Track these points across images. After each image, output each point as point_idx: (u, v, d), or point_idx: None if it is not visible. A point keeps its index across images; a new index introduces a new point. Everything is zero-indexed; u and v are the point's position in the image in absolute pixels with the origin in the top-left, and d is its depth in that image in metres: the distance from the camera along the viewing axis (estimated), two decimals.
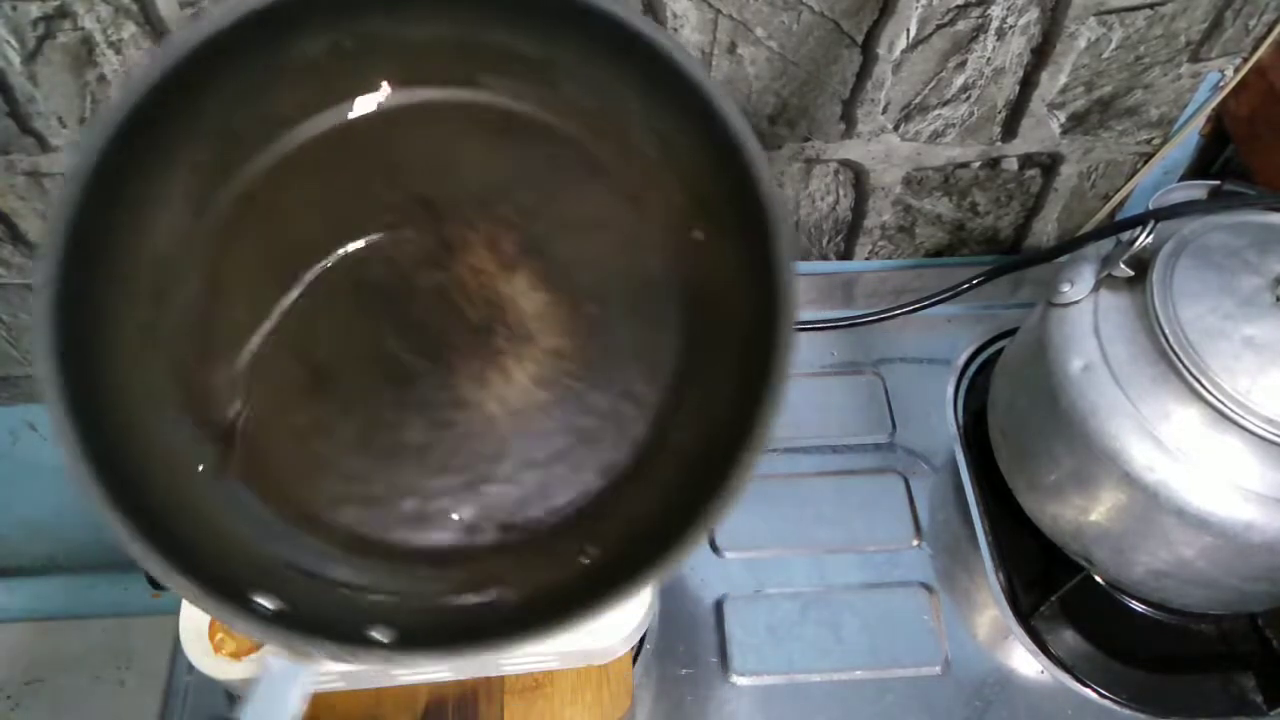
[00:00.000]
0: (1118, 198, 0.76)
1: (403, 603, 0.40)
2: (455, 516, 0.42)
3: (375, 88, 0.42)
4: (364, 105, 0.43)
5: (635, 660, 0.60)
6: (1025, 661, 0.61)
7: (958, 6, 0.59)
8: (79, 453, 0.34)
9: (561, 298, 0.44)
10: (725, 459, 0.39)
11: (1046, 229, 0.79)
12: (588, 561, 0.41)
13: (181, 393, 0.41)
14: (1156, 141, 0.71)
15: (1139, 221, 0.55)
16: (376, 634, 0.37)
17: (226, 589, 0.35)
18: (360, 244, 0.44)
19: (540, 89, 0.43)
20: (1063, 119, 0.68)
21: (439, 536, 0.42)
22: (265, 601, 0.36)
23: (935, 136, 0.69)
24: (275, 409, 0.42)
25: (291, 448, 0.42)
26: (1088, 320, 0.56)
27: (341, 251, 0.44)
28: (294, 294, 0.43)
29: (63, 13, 0.57)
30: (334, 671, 0.50)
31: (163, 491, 0.38)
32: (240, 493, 0.41)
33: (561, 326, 0.44)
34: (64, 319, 0.36)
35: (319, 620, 0.37)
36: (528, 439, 0.43)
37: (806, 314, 0.75)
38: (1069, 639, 0.62)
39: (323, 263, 0.43)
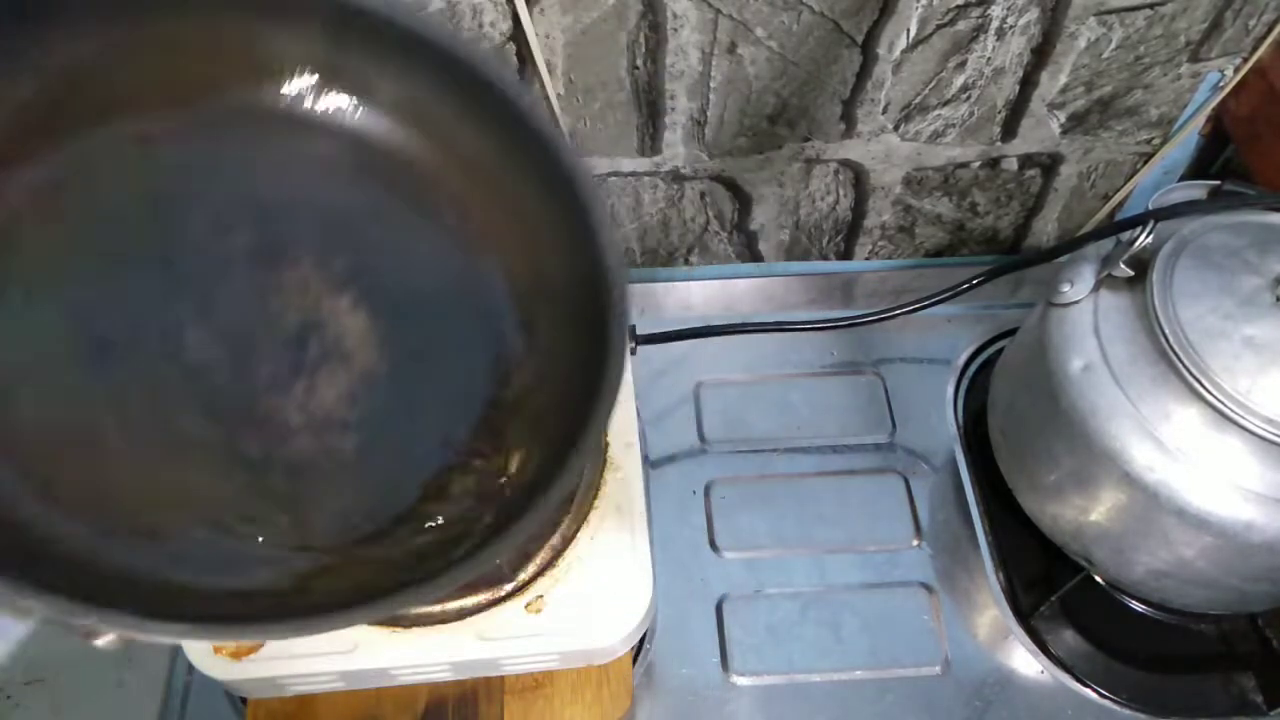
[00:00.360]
0: (1118, 198, 0.76)
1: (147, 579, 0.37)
2: (222, 520, 0.40)
3: (227, 85, 0.41)
4: (222, 100, 0.41)
5: (635, 660, 0.60)
6: (1025, 661, 0.61)
7: (958, 6, 0.59)
8: None
9: (385, 323, 0.43)
10: (517, 507, 0.37)
11: (1046, 229, 0.79)
12: (340, 578, 0.39)
13: None
14: (1156, 141, 0.71)
15: (1139, 221, 0.55)
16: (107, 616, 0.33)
17: None
18: (174, 222, 0.41)
19: (393, 117, 0.43)
20: (1063, 119, 0.68)
21: (192, 536, 0.39)
22: None
23: (935, 136, 0.69)
24: (40, 370, 0.39)
25: (51, 414, 0.39)
26: (1088, 320, 0.56)
27: (151, 223, 0.41)
28: (85, 257, 0.40)
29: None
30: (334, 672, 0.50)
31: None
32: None
33: (380, 351, 0.43)
34: None
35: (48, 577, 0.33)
36: (321, 456, 0.41)
37: (806, 314, 0.75)
38: (1069, 639, 0.62)
39: (128, 231, 0.41)
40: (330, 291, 0.43)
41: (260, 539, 0.40)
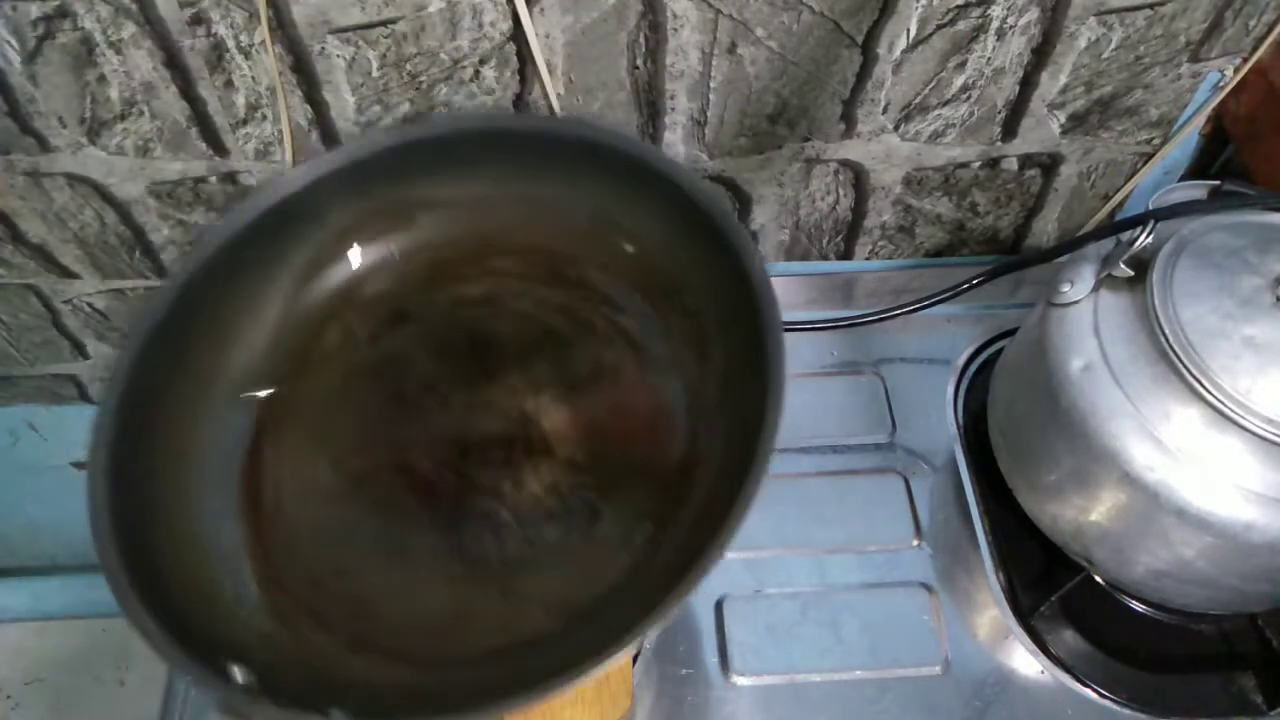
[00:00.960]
0: (1118, 198, 0.76)
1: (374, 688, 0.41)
2: (443, 625, 0.43)
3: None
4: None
5: (635, 660, 0.60)
6: (1025, 661, 0.61)
7: (958, 6, 0.60)
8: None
9: (582, 415, 0.47)
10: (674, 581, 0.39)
11: (1046, 229, 0.79)
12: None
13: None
14: (1156, 141, 0.71)
15: (1139, 221, 0.55)
16: (338, 712, 0.37)
17: (206, 655, 0.37)
18: (402, 368, 0.49)
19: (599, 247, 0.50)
20: (1063, 119, 0.68)
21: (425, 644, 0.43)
22: (239, 673, 0.38)
23: (935, 136, 0.69)
24: (296, 499, 0.45)
25: (303, 538, 0.45)
26: (1088, 320, 0.56)
27: (377, 371, 0.49)
28: (341, 406, 0.48)
29: (63, 13, 0.57)
30: None
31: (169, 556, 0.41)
32: (244, 571, 0.43)
33: (578, 441, 0.46)
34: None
35: (286, 695, 0.38)
36: (531, 548, 0.45)
37: (806, 314, 0.75)
38: (1069, 639, 0.62)
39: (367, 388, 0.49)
40: (533, 392, 0.48)
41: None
